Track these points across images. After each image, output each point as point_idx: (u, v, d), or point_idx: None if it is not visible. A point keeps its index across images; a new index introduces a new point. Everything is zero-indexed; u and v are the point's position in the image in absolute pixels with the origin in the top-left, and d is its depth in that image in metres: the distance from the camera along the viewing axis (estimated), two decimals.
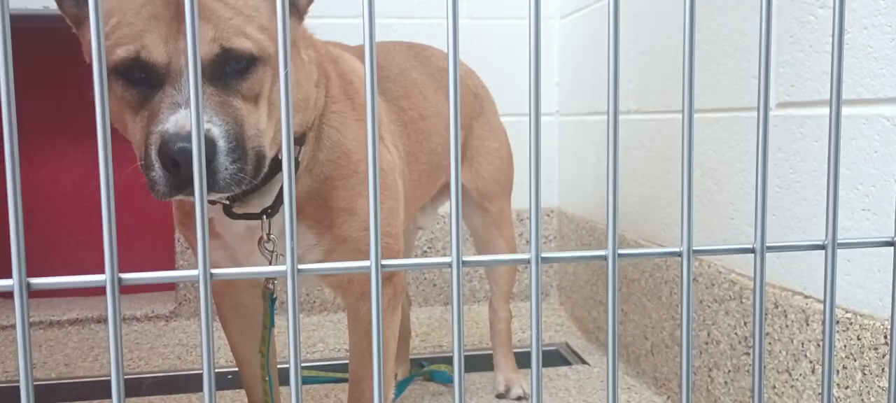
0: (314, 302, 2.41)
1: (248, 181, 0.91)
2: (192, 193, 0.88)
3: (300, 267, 0.63)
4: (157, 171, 0.86)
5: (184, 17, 0.89)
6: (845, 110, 1.07)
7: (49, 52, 2.42)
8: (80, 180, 2.52)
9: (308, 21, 1.16)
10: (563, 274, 2.40)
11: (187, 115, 0.85)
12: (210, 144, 0.85)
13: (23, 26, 2.30)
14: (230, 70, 0.90)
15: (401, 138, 1.35)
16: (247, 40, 0.91)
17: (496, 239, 1.72)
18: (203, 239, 0.59)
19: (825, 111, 1.15)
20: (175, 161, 0.84)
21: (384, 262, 0.64)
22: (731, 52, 1.38)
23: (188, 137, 0.83)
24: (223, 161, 0.87)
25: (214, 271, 0.61)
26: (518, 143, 1.79)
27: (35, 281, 0.59)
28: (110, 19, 0.88)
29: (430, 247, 2.44)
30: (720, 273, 1.42)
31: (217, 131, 0.87)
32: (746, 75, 1.34)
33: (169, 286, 2.49)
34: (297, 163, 1.07)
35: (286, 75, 0.59)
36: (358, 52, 1.37)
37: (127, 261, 2.44)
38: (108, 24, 0.88)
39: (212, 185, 0.87)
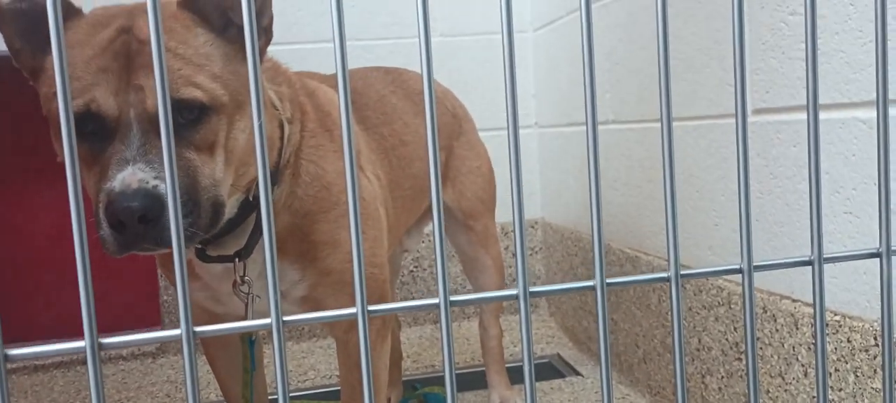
0: (303, 329, 2.39)
1: (202, 233, 0.90)
2: (142, 251, 0.87)
3: (285, 318, 0.62)
4: (105, 230, 0.84)
5: (133, 69, 0.88)
6: (822, 115, 1.07)
7: (22, 92, 2.39)
8: (59, 221, 2.48)
9: (279, 48, 1.16)
10: (551, 284, 2.39)
11: (133, 173, 0.83)
12: (157, 201, 0.83)
13: None
14: (182, 121, 0.88)
15: (382, 166, 1.34)
16: (197, 90, 0.89)
17: (483, 256, 1.71)
18: (184, 298, 0.58)
19: (801, 116, 1.15)
20: (121, 221, 0.82)
21: (371, 308, 0.63)
22: (706, 61, 1.39)
23: (133, 196, 0.82)
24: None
25: (197, 329, 0.60)
26: (498, 158, 1.78)
27: (13, 352, 0.57)
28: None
29: (416, 266, 2.43)
30: (707, 279, 1.42)
31: (165, 186, 0.85)
32: (722, 83, 1.35)
33: (155, 321, 2.46)
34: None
35: (260, 126, 0.58)
36: (336, 82, 1.35)
37: (110, 301, 2.42)
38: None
39: (161, 241, 0.84)
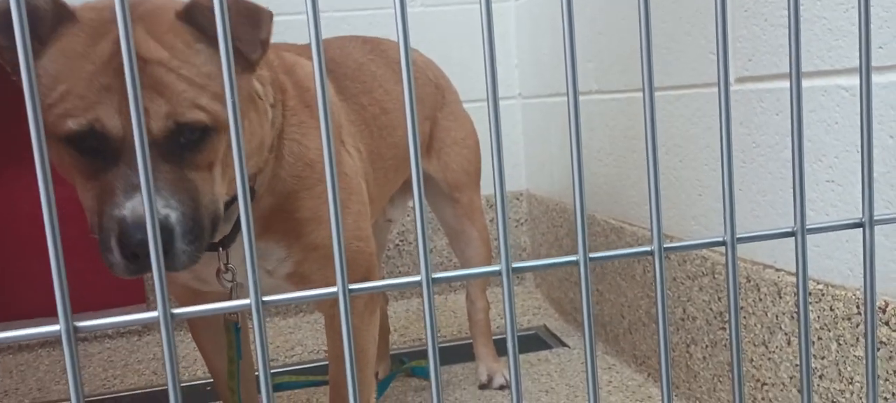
0: (290, 304, 2.39)
1: (203, 251, 0.90)
2: (150, 272, 0.86)
3: (264, 298, 0.61)
4: (116, 257, 0.84)
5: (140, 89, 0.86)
6: (804, 82, 1.07)
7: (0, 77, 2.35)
8: (37, 204, 2.46)
9: None
10: (537, 255, 2.40)
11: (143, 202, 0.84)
12: (168, 232, 0.83)
13: None
14: (183, 141, 0.87)
15: (363, 137, 1.33)
16: (201, 112, 0.87)
17: (468, 229, 1.71)
18: (160, 280, 0.57)
19: (784, 84, 1.15)
20: (134, 253, 0.82)
21: (352, 286, 0.62)
22: (688, 28, 1.38)
23: (145, 229, 0.82)
24: (180, 245, 0.86)
25: (175, 311, 0.59)
26: (480, 129, 1.77)
27: None
28: (58, 85, 0.84)
29: (402, 240, 2.42)
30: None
31: (174, 216, 0.84)
32: (704, 51, 1.34)
33: (140, 299, 2.45)
34: (253, 192, 1.05)
35: (236, 124, 0.56)
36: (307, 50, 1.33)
37: (93, 280, 2.39)
38: (56, 90, 0.84)
39: (169, 266, 0.85)
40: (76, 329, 0.57)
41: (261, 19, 0.91)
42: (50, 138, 0.88)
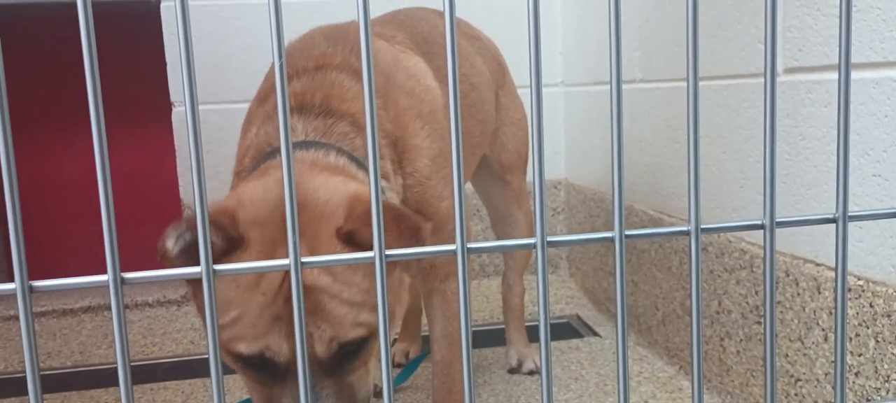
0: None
1: None
2: None
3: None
4: None
5: (304, 315, 0.90)
6: (854, 74, 1.05)
7: (50, 39, 2.41)
8: (86, 168, 2.52)
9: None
10: (573, 246, 2.39)
11: None
12: None
13: (22, 14, 2.29)
14: (344, 353, 0.91)
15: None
16: (361, 328, 0.90)
17: (516, 212, 1.69)
18: (205, 238, 0.59)
19: (834, 75, 1.13)
20: None
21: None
22: (737, 16, 1.36)
23: None
24: None
25: (217, 267, 0.61)
26: None
27: (37, 283, 0.59)
28: (230, 310, 0.88)
29: None
30: (730, 242, 1.41)
31: None
32: (753, 40, 1.32)
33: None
34: None
35: (282, 65, 0.57)
36: (388, 26, 1.33)
37: (134, 248, 2.45)
38: (228, 314, 0.88)
39: None
40: (123, 279, 0.59)
41: (420, 236, 0.90)
42: (222, 350, 0.92)
